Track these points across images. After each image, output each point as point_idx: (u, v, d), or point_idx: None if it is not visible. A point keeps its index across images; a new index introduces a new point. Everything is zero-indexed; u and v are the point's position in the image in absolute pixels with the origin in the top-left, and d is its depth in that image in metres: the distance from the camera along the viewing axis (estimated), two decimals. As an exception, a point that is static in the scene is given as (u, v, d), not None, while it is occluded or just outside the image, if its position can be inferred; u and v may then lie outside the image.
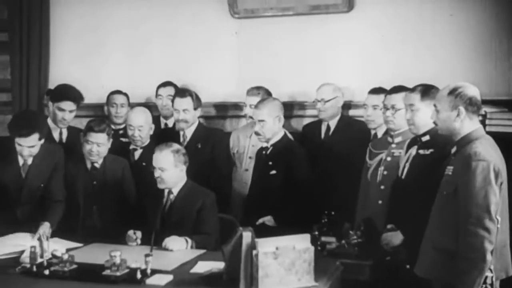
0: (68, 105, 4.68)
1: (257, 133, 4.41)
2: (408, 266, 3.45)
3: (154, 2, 5.56)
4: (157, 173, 4.00)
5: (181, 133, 4.86)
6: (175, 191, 4.08)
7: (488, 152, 3.05)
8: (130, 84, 5.42)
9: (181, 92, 4.88)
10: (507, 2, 4.63)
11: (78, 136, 4.51)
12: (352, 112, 5.00)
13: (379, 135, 4.37)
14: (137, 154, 4.72)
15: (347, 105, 4.94)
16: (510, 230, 3.21)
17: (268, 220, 4.27)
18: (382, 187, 3.87)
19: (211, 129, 5.10)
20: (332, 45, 5.09)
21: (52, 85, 5.74)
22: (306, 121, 5.10)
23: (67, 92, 4.74)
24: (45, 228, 3.97)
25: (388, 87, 4.16)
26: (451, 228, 3.08)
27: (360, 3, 5.03)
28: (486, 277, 2.98)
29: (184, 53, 5.49)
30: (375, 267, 3.69)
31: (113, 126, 5.11)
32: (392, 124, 3.95)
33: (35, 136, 4.00)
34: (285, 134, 4.49)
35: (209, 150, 4.81)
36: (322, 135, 4.81)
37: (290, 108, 5.12)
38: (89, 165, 4.40)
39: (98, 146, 4.30)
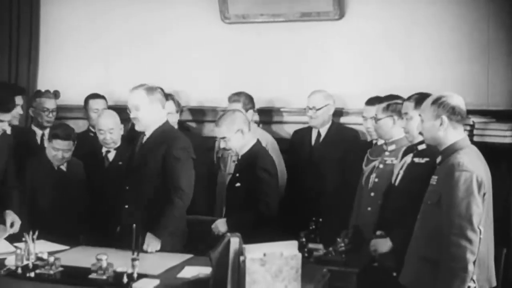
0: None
1: (225, 149, 4.30)
2: (395, 274, 3.47)
3: (146, 5, 5.57)
4: (132, 114, 3.88)
5: None
6: (148, 133, 3.94)
7: (472, 163, 3.07)
8: (117, 87, 5.42)
9: (165, 96, 4.88)
10: (499, 17, 4.66)
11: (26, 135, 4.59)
12: (343, 120, 5.01)
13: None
14: (111, 156, 4.75)
15: (338, 113, 4.95)
16: (494, 241, 3.24)
17: (219, 222, 4.10)
18: (372, 194, 3.89)
19: (189, 133, 5.13)
20: (323, 52, 5.11)
21: (40, 84, 5.76)
22: (295, 127, 5.10)
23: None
24: (12, 216, 3.96)
25: (379, 95, 4.20)
26: (435, 238, 3.09)
27: (351, 11, 5.05)
28: (469, 287, 3.00)
29: (173, 57, 5.50)
30: (362, 274, 3.70)
31: (93, 129, 5.12)
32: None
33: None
34: (256, 143, 4.22)
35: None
36: (313, 142, 4.83)
37: (280, 114, 5.20)
38: (56, 168, 4.45)
39: (64, 152, 4.36)
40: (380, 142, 4.31)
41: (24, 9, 5.76)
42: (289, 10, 5.12)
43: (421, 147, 3.59)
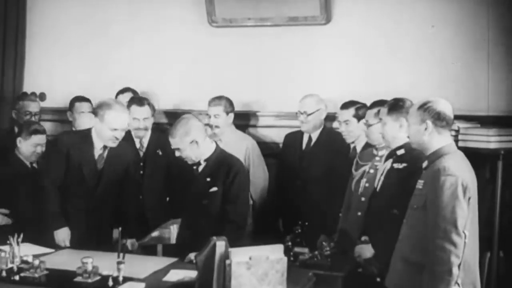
0: None
1: (182, 158, 3.95)
2: (378, 279, 3.48)
3: (132, 9, 5.56)
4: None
5: (137, 140, 4.87)
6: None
7: (457, 167, 3.09)
8: (103, 89, 5.35)
9: (139, 101, 4.86)
10: (484, 22, 4.67)
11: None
12: (335, 124, 4.97)
13: (358, 148, 4.34)
14: None
15: (329, 117, 4.92)
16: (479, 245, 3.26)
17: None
18: (363, 199, 3.88)
19: (164, 136, 5.12)
20: (310, 56, 5.11)
21: (26, 86, 5.75)
22: (284, 131, 5.08)
23: None
24: None
25: (366, 99, 4.22)
26: (420, 242, 3.11)
27: (338, 16, 5.05)
28: (454, 291, 3.02)
29: (159, 60, 5.50)
30: (348, 278, 3.70)
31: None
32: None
33: None
34: (217, 146, 3.99)
35: (168, 157, 4.78)
36: (304, 146, 4.80)
37: (267, 118, 5.20)
38: (29, 166, 4.50)
39: (42, 146, 4.48)
40: (358, 147, 4.34)
41: (10, 10, 5.73)
42: (277, 14, 5.13)
43: (400, 152, 3.61)
